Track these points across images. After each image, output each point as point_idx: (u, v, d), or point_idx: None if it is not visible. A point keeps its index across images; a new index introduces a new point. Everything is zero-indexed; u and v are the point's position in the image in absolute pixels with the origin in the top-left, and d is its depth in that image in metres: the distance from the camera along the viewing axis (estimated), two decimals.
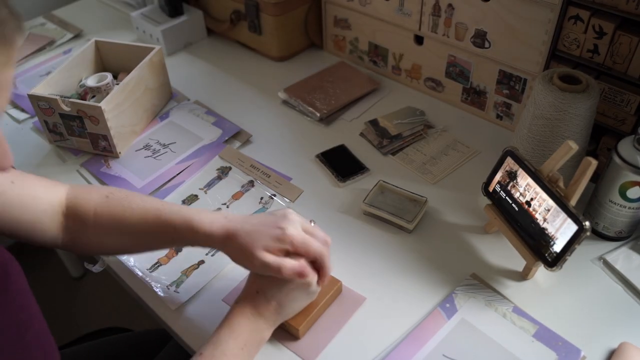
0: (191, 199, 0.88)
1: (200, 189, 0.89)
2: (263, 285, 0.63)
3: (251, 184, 0.89)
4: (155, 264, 0.78)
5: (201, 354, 0.59)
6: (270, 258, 0.60)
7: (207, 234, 0.63)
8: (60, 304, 1.69)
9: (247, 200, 0.87)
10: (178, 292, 0.74)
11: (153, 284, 0.75)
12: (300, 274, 0.61)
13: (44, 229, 0.68)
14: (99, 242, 0.70)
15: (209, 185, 0.90)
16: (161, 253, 0.80)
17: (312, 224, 0.66)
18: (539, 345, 0.67)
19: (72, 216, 0.70)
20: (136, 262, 0.78)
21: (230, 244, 0.63)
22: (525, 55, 0.90)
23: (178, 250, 0.80)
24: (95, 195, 0.70)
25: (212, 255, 0.79)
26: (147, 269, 0.77)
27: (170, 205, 0.68)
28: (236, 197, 0.88)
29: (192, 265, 0.78)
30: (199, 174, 0.92)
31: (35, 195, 0.68)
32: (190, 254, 0.80)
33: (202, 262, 0.79)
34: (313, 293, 0.67)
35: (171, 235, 0.66)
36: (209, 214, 0.65)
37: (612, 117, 0.82)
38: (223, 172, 0.92)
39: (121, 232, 0.68)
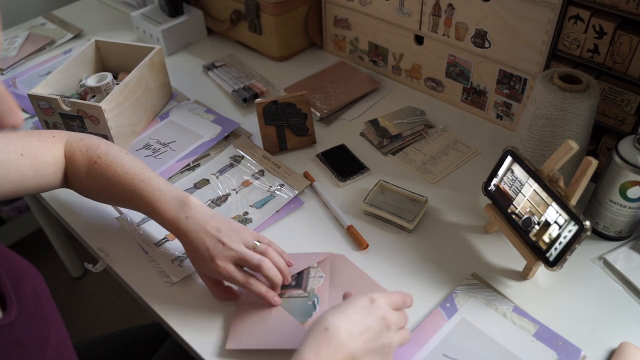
0: (203, 183, 0.91)
1: (212, 174, 0.93)
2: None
3: (261, 173, 0.92)
4: (163, 239, 0.81)
5: None
6: (205, 280, 0.72)
7: (165, 226, 0.71)
8: (60, 303, 1.69)
9: (256, 189, 0.89)
10: (181, 267, 0.77)
11: (156, 258, 0.79)
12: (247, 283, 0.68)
13: (51, 185, 0.78)
14: (89, 195, 0.80)
15: (221, 171, 0.93)
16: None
17: (257, 244, 0.71)
18: (540, 345, 0.67)
19: (70, 172, 0.78)
20: (144, 236, 0.82)
21: (184, 244, 0.71)
22: (525, 55, 0.90)
23: None
24: (85, 158, 0.77)
25: None
26: (154, 243, 0.81)
27: (148, 185, 0.73)
28: (246, 184, 0.90)
29: None
30: (213, 160, 0.95)
31: (44, 161, 0.75)
32: None
33: None
34: (388, 347, 0.58)
35: (142, 211, 0.74)
36: (175, 208, 0.71)
37: (612, 117, 0.82)
38: (236, 160, 0.95)
39: (106, 195, 0.77)
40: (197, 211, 0.70)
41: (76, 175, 0.77)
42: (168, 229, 0.71)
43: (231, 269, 0.67)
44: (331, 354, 0.54)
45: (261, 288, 0.69)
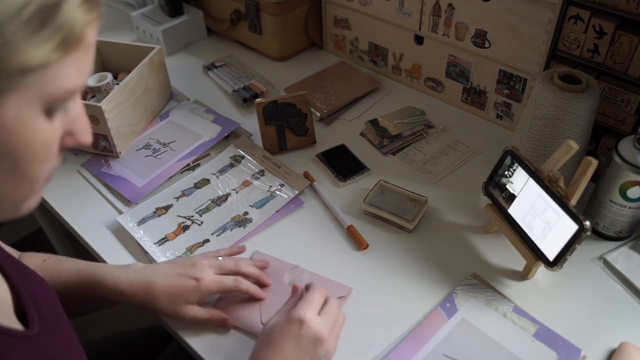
0: (203, 183, 0.91)
1: (212, 174, 0.93)
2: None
3: (261, 173, 0.92)
4: (163, 239, 0.82)
5: None
6: (197, 312, 0.67)
7: (117, 291, 0.66)
8: None
9: (256, 188, 0.89)
10: None
11: (158, 255, 0.78)
12: (223, 322, 0.68)
13: None
14: None
15: (222, 171, 0.93)
16: (169, 229, 0.83)
17: (220, 259, 0.70)
18: (540, 344, 0.67)
19: None
20: (144, 236, 0.81)
21: (151, 301, 0.66)
22: (525, 55, 0.90)
23: (185, 229, 0.83)
24: (34, 258, 0.72)
25: (218, 236, 0.82)
26: (154, 243, 0.81)
27: (92, 264, 0.70)
28: (246, 184, 0.90)
29: (197, 243, 0.81)
30: (213, 160, 0.95)
31: None
32: (197, 232, 0.83)
33: (207, 240, 0.82)
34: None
35: (92, 292, 0.68)
36: (118, 271, 0.67)
37: (612, 117, 0.82)
38: (236, 160, 0.95)
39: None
40: (142, 265, 0.69)
41: None
42: (120, 295, 0.66)
43: (218, 276, 0.67)
44: None
45: (250, 286, 0.69)
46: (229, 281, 0.67)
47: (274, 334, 0.58)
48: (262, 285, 0.72)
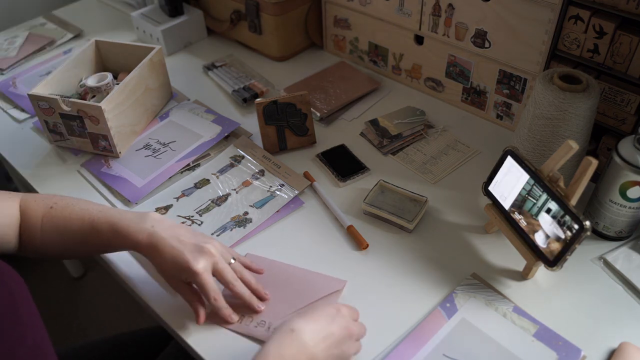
0: (203, 183, 0.91)
1: (212, 174, 0.93)
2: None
3: (261, 173, 0.92)
4: None
5: None
6: (184, 290, 0.68)
7: (133, 241, 0.68)
8: (61, 303, 1.69)
9: (256, 188, 0.89)
10: None
11: None
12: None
13: (9, 240, 0.72)
14: (46, 249, 0.73)
15: (222, 171, 0.93)
16: None
17: (232, 261, 0.70)
18: (539, 344, 0.67)
19: (24, 223, 0.72)
20: None
21: (156, 254, 0.67)
22: (525, 55, 0.90)
23: None
24: (41, 205, 0.73)
25: (218, 236, 0.82)
26: None
27: (105, 213, 0.71)
28: (246, 184, 0.90)
29: None
30: (213, 160, 0.95)
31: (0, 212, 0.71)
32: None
33: None
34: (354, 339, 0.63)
35: (105, 241, 0.70)
36: (137, 222, 0.68)
37: (612, 117, 0.82)
38: (236, 160, 0.95)
39: (64, 240, 0.71)
40: (162, 221, 0.69)
41: (31, 225, 0.72)
42: (134, 246, 0.68)
43: (209, 275, 0.66)
44: (294, 355, 0.57)
45: (225, 312, 0.68)
46: (211, 294, 0.66)
47: (311, 310, 0.61)
48: (261, 298, 0.71)
